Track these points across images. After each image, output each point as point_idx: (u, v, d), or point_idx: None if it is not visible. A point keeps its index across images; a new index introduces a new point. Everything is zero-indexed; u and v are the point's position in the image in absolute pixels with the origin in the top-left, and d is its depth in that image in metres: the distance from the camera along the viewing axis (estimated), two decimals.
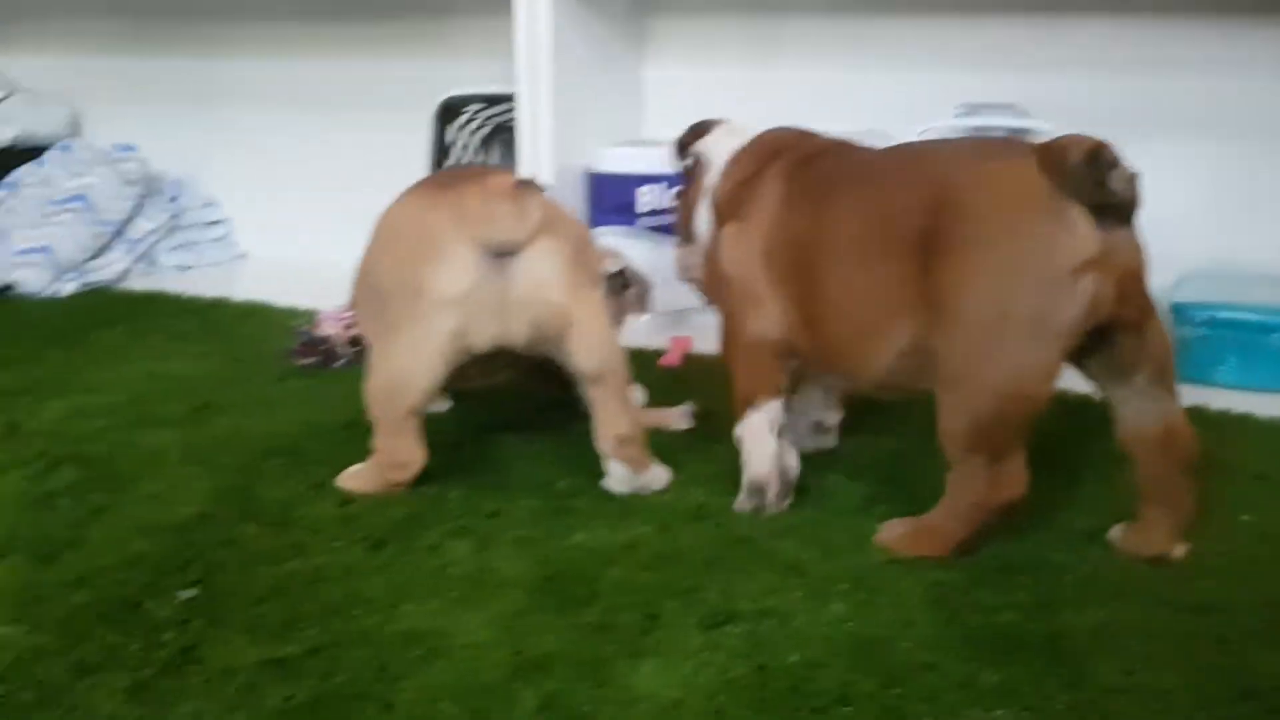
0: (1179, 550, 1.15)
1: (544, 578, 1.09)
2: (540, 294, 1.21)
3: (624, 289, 1.53)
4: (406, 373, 1.23)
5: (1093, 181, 1.03)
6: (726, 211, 1.33)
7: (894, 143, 1.74)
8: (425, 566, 1.12)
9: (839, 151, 1.31)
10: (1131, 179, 1.05)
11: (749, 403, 1.27)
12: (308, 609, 1.03)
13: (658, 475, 1.31)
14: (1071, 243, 1.04)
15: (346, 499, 1.27)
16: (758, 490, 1.25)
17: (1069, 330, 1.06)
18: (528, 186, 1.21)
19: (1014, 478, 1.11)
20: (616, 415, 1.28)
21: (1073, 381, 1.64)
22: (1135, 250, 1.09)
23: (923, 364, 1.14)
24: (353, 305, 1.41)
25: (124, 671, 0.93)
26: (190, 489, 1.29)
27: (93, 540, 1.16)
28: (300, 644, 0.97)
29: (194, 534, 1.18)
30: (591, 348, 1.25)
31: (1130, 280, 1.09)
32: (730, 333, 1.30)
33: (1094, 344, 1.10)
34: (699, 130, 1.44)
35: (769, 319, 1.25)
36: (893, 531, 1.19)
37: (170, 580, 1.08)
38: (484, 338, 1.22)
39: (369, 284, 1.29)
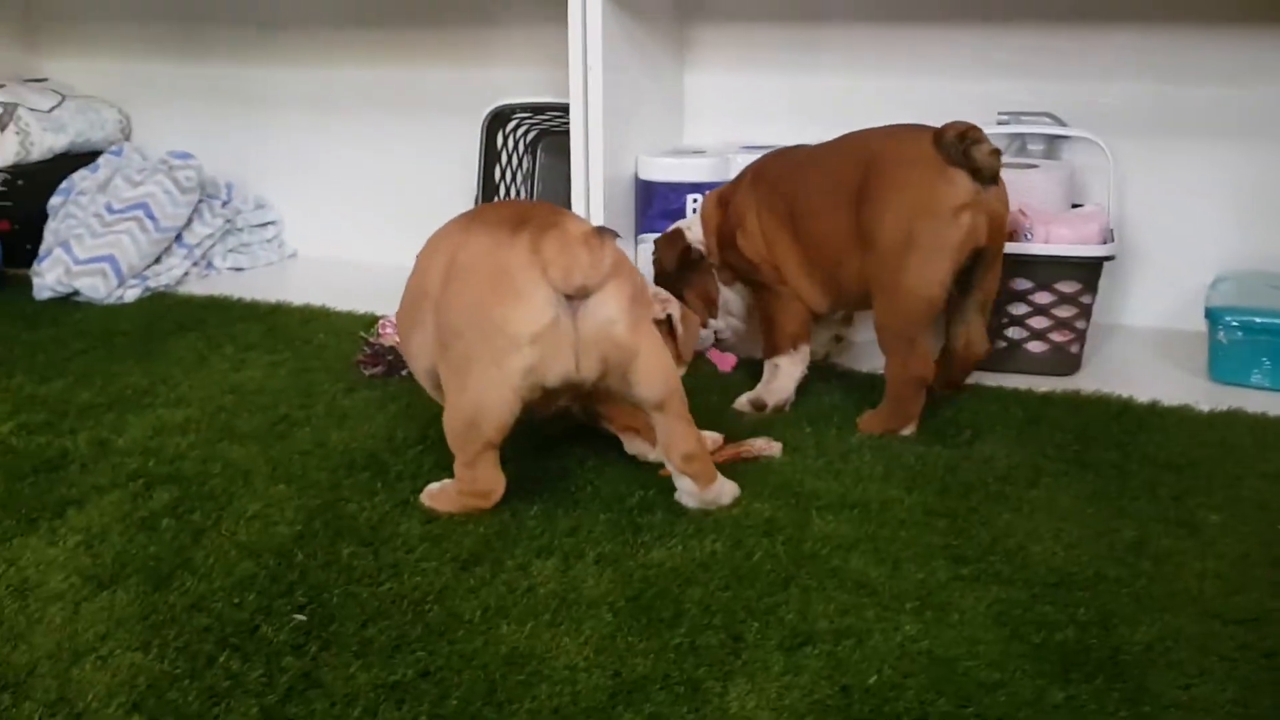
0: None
1: (628, 597, 1.16)
2: (608, 332, 1.27)
3: (672, 332, 1.57)
4: (483, 408, 1.29)
5: (959, 152, 1.48)
6: (728, 237, 1.74)
7: None
8: (516, 586, 1.19)
9: (783, 153, 1.76)
10: (992, 153, 1.49)
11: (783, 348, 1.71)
12: (412, 631, 1.10)
13: (725, 490, 1.38)
14: (953, 190, 1.49)
15: (431, 516, 1.34)
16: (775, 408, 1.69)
17: (955, 251, 1.50)
18: (604, 234, 1.27)
19: (920, 360, 1.55)
20: (682, 435, 1.34)
21: (1125, 389, 1.70)
22: (1001, 201, 1.54)
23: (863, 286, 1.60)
24: (399, 333, 1.47)
25: (251, 698, 1.00)
26: (284, 508, 1.36)
27: (200, 563, 1.23)
28: (411, 667, 1.04)
29: (295, 555, 1.25)
30: (654, 378, 1.31)
31: (996, 221, 1.53)
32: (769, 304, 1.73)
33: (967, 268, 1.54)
34: (674, 233, 1.82)
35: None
36: (865, 418, 1.61)
37: (280, 603, 1.15)
38: (556, 374, 1.27)
39: (441, 321, 1.34)
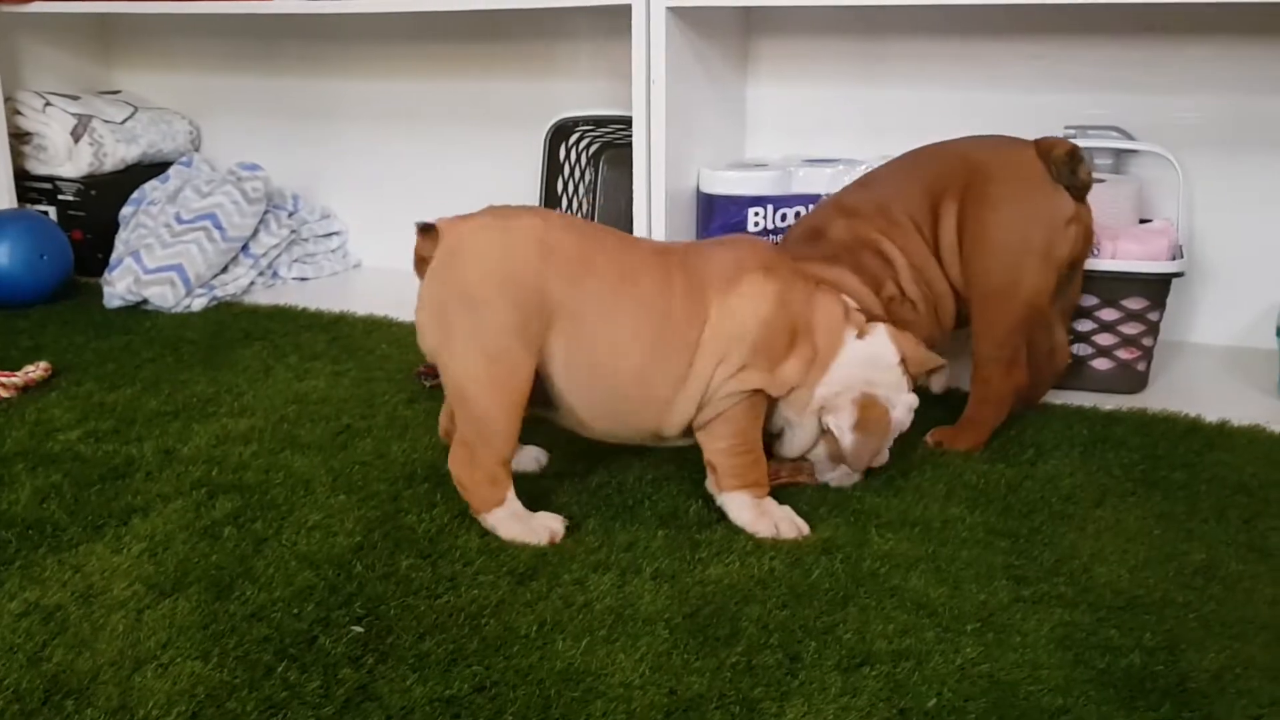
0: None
1: (685, 614, 1.15)
2: (421, 327, 1.36)
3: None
4: None
5: (1068, 171, 1.54)
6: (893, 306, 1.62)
7: None
8: (572, 601, 1.18)
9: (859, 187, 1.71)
10: (1089, 172, 1.56)
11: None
12: (469, 645, 1.10)
13: (493, 523, 1.34)
14: (1064, 205, 1.55)
15: (488, 530, 1.34)
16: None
17: (1062, 261, 1.56)
18: (425, 230, 1.36)
19: (1020, 369, 1.58)
20: (451, 456, 1.35)
21: (1193, 408, 1.67)
22: (1090, 214, 1.60)
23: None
24: None
25: (308, 709, 1.01)
26: (344, 518, 1.37)
27: (261, 572, 1.24)
28: (467, 682, 1.04)
29: (354, 566, 1.25)
30: (448, 388, 1.35)
31: (1088, 234, 1.59)
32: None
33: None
34: None
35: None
36: (941, 434, 1.60)
37: (339, 614, 1.16)
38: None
39: None
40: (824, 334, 1.38)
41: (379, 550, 1.29)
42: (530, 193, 2.40)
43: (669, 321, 1.32)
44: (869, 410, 1.37)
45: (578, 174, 2.43)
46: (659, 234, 2.06)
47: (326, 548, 1.30)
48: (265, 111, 2.85)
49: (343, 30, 2.69)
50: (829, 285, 1.46)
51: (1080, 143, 1.92)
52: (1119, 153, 1.97)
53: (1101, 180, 1.88)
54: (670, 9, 2.00)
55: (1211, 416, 1.67)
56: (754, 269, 1.35)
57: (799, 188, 2.13)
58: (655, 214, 2.08)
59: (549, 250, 1.31)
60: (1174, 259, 1.75)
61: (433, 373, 1.85)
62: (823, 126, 2.30)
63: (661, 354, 1.32)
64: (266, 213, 2.54)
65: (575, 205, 2.43)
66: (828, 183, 2.11)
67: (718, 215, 2.11)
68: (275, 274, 2.57)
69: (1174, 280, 1.76)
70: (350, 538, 1.32)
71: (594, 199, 2.47)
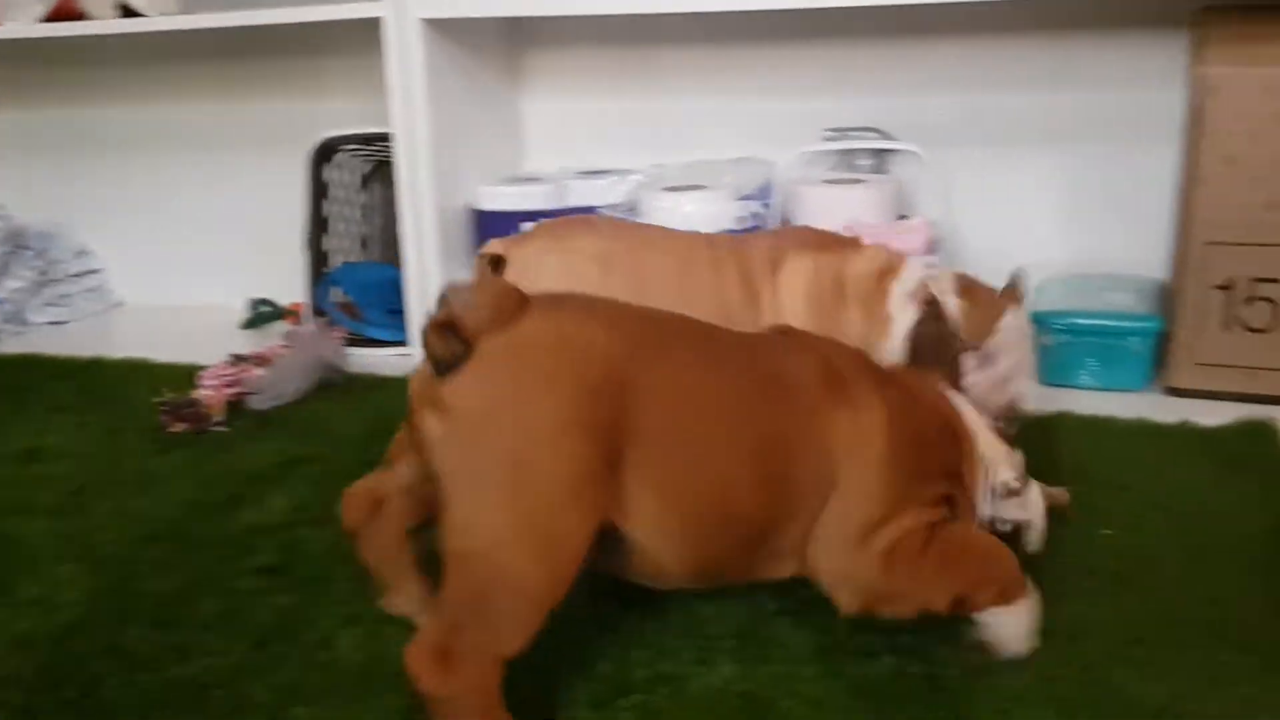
0: None
1: None
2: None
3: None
4: None
5: None
6: None
7: (765, 168, 1.83)
8: (315, 662, 1.10)
9: None
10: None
11: None
12: None
13: None
14: None
15: (229, 589, 1.25)
16: None
17: None
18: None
19: None
20: None
21: None
22: None
23: None
24: None
25: None
26: (69, 589, 1.26)
27: None
28: None
29: (73, 642, 1.15)
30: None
31: None
32: None
33: None
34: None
35: None
36: None
37: (42, 700, 1.05)
38: None
39: None
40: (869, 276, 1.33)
41: (103, 623, 1.19)
42: (298, 217, 2.29)
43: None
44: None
45: (348, 195, 2.34)
46: (431, 254, 2.00)
47: (43, 625, 1.18)
48: (6, 146, 2.66)
49: (90, 54, 2.52)
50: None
51: (840, 145, 1.94)
52: (878, 153, 1.99)
53: (860, 181, 1.90)
54: (425, 20, 1.94)
55: None
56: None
57: (574, 200, 2.10)
58: (426, 233, 2.02)
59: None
60: (930, 253, 1.77)
61: (172, 418, 1.73)
62: (601, 138, 2.26)
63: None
64: (9, 255, 2.36)
65: (350, 227, 2.33)
66: (601, 194, 2.08)
67: (490, 232, 2.05)
68: (24, 321, 2.40)
69: None
70: (70, 612, 1.21)
71: (373, 221, 2.39)
